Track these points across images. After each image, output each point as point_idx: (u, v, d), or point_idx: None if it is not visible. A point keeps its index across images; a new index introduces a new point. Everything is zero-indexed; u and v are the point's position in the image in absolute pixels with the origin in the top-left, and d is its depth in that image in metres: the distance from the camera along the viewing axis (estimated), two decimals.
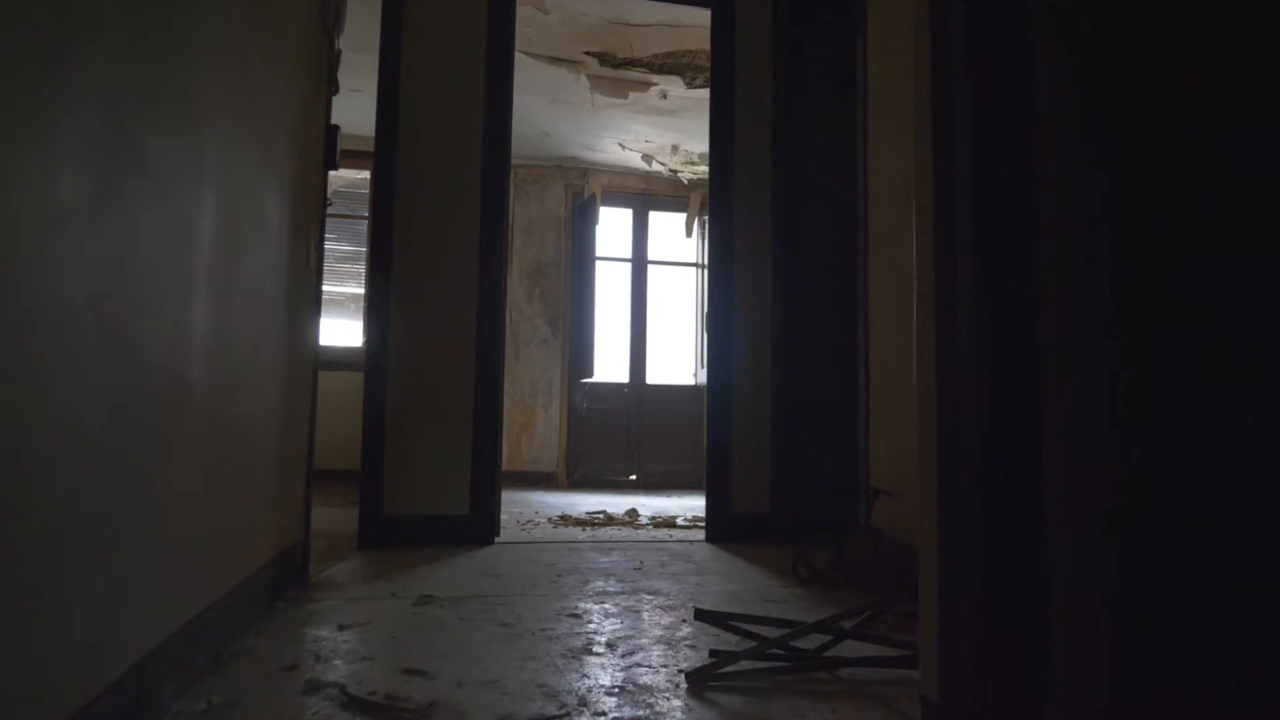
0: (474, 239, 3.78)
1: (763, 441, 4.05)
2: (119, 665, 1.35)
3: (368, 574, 2.96)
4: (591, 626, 2.23)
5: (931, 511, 1.39)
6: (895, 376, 3.16)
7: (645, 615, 2.38)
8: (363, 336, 3.27)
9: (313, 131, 2.68)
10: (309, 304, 2.68)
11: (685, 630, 2.21)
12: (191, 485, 1.64)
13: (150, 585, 1.47)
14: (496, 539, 3.79)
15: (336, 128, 2.84)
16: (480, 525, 3.73)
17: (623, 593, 2.69)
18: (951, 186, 1.33)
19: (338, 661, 1.89)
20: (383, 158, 3.70)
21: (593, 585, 2.80)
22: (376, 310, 3.68)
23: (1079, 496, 1.19)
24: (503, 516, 4.85)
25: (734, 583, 2.90)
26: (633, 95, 5.90)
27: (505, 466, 7.43)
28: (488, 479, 3.76)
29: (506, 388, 7.58)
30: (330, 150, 2.79)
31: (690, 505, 5.96)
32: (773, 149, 4.15)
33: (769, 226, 4.13)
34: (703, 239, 7.91)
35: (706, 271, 4.35)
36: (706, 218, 7.86)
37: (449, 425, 3.71)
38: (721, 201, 4.13)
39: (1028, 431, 1.25)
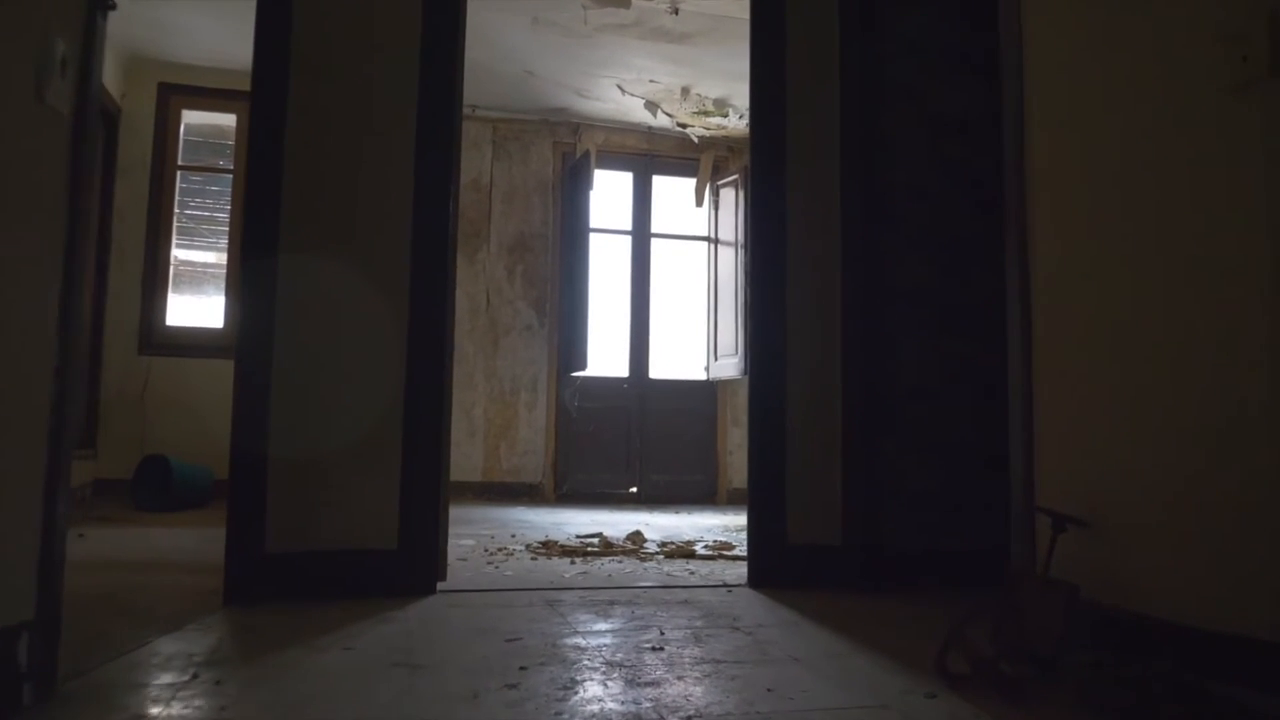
0: (406, 188, 2.54)
1: (829, 446, 2.81)
2: None
3: (188, 666, 1.70)
4: None
5: None
6: (1091, 351, 1.94)
7: None
8: (239, 311, 2.04)
9: None
10: (53, 179, 1.43)
11: None
12: None
13: None
14: (440, 584, 2.55)
15: None
16: (415, 565, 2.48)
17: (636, 715, 1.44)
18: None
19: None
20: (265, 76, 2.44)
21: (581, 696, 1.55)
22: (253, 273, 2.41)
23: None
24: (467, 542, 3.63)
25: (833, 685, 1.66)
26: (637, 6, 4.68)
27: (481, 477, 6.19)
28: (426, 500, 2.51)
29: (483, 384, 6.35)
30: None
31: (706, 524, 4.74)
32: (840, 28, 2.93)
33: (836, 144, 2.91)
34: (714, 208, 6.69)
35: (748, 214, 3.18)
36: (719, 184, 6.64)
37: (367, 426, 2.47)
38: (767, 104, 2.90)
39: None
